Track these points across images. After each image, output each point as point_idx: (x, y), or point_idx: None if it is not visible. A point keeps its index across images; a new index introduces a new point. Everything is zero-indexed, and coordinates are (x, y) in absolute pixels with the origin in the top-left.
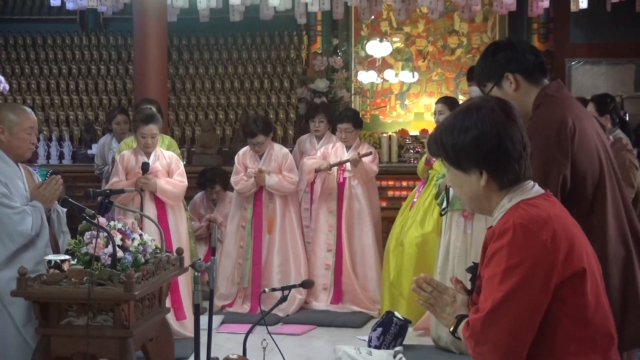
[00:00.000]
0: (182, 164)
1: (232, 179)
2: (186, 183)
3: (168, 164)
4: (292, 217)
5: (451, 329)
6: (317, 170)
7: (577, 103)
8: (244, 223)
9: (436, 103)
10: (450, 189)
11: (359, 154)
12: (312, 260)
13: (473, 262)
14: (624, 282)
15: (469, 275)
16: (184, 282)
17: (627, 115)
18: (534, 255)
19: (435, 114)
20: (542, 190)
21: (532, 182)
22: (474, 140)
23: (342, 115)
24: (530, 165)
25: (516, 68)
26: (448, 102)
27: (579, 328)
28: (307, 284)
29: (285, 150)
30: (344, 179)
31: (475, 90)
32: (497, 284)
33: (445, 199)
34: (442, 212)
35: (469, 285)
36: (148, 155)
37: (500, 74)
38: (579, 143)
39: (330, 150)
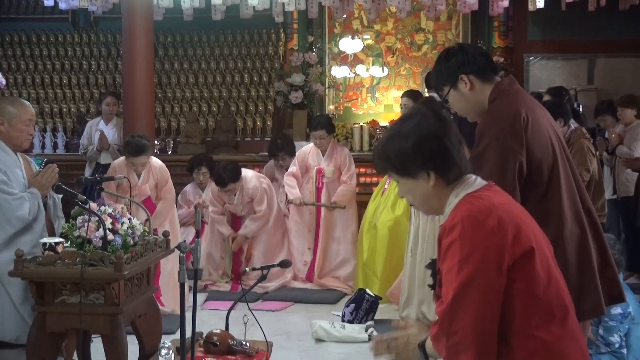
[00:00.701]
0: (169, 175)
1: (211, 215)
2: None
3: (157, 180)
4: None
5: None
6: (288, 202)
7: (528, 96)
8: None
9: (402, 97)
10: None
11: (333, 203)
12: (293, 255)
13: (431, 259)
14: (580, 259)
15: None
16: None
17: (580, 106)
18: (484, 242)
19: (401, 107)
20: (484, 182)
21: (473, 176)
22: (416, 144)
23: (316, 122)
24: (483, 157)
25: (469, 70)
26: (412, 95)
27: (535, 302)
28: (285, 264)
29: (254, 183)
30: (323, 183)
31: (436, 96)
32: (455, 275)
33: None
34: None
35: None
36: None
37: (455, 77)
38: (532, 132)
39: (307, 157)
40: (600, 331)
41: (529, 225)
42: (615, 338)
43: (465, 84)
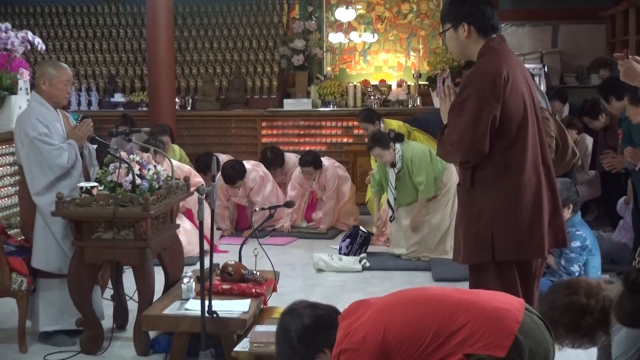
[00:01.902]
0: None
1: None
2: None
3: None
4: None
5: None
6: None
7: (513, 56)
8: None
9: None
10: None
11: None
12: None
13: None
14: (534, 205)
15: None
16: None
17: (546, 67)
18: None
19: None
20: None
21: None
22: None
23: (304, 160)
24: (464, 105)
25: (473, 20)
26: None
27: None
28: (290, 204)
29: (253, 174)
30: (315, 200)
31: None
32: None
33: (391, 211)
34: (391, 219)
35: None
36: None
37: (459, 21)
38: (510, 91)
39: (302, 180)
40: (562, 262)
41: None
42: (575, 268)
43: (464, 31)
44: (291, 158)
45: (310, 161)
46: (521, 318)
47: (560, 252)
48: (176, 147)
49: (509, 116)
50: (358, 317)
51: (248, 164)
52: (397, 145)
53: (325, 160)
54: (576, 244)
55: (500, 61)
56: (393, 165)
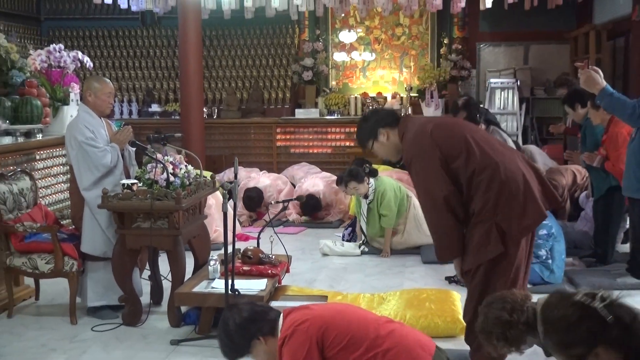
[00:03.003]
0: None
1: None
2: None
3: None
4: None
5: None
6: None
7: (418, 118)
8: None
9: (348, 182)
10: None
11: None
12: None
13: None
14: (524, 187)
15: None
16: None
17: (519, 81)
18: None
19: (353, 192)
20: None
21: None
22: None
23: (344, 179)
24: (420, 176)
25: (384, 124)
26: (353, 176)
27: None
28: (300, 198)
29: (270, 190)
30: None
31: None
32: None
33: (363, 236)
34: (363, 242)
35: None
36: None
37: (375, 132)
38: (438, 134)
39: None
40: None
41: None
42: (542, 252)
43: (383, 135)
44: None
45: (312, 208)
46: (433, 352)
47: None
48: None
49: (453, 152)
50: (303, 312)
51: (267, 180)
52: (372, 180)
53: (321, 183)
54: (543, 232)
55: (416, 126)
56: (366, 196)
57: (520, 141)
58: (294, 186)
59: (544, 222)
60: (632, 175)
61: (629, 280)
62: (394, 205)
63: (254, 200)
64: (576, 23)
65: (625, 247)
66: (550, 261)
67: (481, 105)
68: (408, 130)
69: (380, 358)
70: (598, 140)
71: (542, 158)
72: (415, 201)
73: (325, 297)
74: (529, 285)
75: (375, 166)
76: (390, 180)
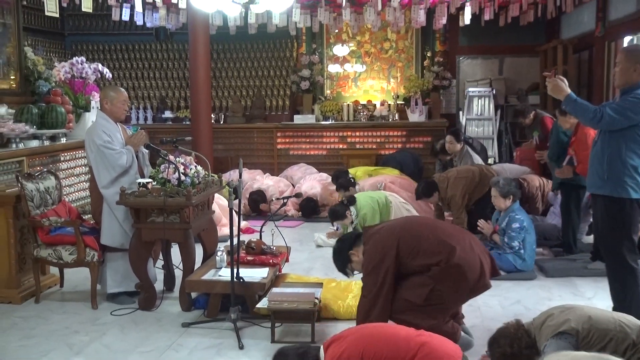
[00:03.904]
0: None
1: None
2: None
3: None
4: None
5: None
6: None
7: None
8: None
9: (333, 223)
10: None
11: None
12: None
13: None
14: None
15: None
16: None
17: (494, 90)
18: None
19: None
20: None
21: None
22: None
23: (304, 210)
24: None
25: (352, 244)
26: (335, 217)
27: None
28: (298, 195)
29: (272, 190)
30: None
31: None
32: None
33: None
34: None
35: None
36: None
37: (347, 256)
38: (402, 248)
39: None
40: (506, 239)
41: None
42: (515, 244)
43: (355, 254)
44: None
45: (310, 210)
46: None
47: (504, 232)
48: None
49: (405, 250)
50: (340, 343)
51: (270, 182)
52: (352, 208)
53: (318, 186)
54: (516, 225)
55: (376, 238)
56: (352, 222)
57: (495, 144)
58: (294, 187)
59: (517, 216)
60: (595, 174)
61: (599, 266)
62: (377, 219)
63: (258, 202)
64: (545, 38)
65: (590, 239)
66: (522, 251)
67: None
68: (367, 243)
69: None
70: (561, 142)
71: (510, 169)
72: (394, 201)
73: (320, 284)
74: (503, 273)
75: (362, 169)
76: (366, 198)
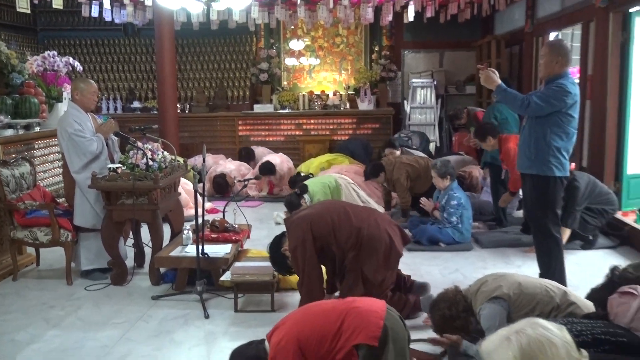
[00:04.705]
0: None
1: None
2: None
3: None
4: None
5: None
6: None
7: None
8: None
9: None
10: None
11: None
12: None
13: None
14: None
15: None
16: None
17: (435, 81)
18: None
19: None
20: None
21: None
22: None
23: (261, 169)
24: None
25: (280, 243)
26: (291, 207)
27: None
28: (257, 177)
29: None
30: None
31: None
32: None
33: None
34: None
35: None
36: None
37: (281, 255)
38: (312, 228)
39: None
40: (445, 215)
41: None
42: (454, 219)
43: (287, 249)
44: (261, 151)
45: (264, 169)
46: (384, 314)
47: (444, 208)
48: None
49: (322, 237)
50: (279, 331)
51: (232, 166)
52: (306, 196)
53: (277, 158)
54: (454, 202)
55: (295, 228)
56: None
57: (436, 130)
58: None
59: (455, 194)
60: (524, 155)
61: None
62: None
63: (222, 185)
64: (481, 34)
65: (520, 213)
66: (460, 225)
67: (395, 136)
68: (288, 232)
69: (344, 335)
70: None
71: (453, 158)
72: (342, 183)
73: None
74: (443, 245)
75: (316, 163)
76: (317, 184)
